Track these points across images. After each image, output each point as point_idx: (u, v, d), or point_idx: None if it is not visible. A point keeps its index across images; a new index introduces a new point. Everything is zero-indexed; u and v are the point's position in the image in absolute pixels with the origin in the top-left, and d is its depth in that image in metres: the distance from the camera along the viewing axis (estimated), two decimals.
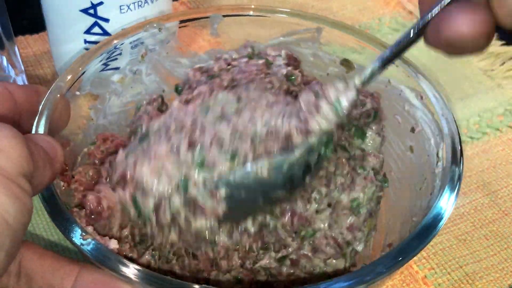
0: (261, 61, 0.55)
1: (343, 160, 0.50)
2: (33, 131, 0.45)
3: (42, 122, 0.45)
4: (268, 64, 0.55)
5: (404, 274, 0.54)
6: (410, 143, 0.53)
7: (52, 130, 0.46)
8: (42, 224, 0.56)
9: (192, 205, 0.41)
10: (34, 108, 0.46)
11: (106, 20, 0.62)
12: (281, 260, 0.47)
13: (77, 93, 0.51)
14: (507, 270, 0.55)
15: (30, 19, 0.79)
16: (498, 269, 0.55)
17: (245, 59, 0.55)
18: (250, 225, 0.45)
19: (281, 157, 0.41)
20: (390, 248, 0.47)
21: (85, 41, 0.64)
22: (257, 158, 0.41)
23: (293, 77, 0.55)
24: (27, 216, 0.33)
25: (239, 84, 0.50)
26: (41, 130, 0.45)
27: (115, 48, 0.54)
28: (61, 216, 0.40)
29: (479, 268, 0.55)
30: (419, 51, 0.77)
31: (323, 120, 0.41)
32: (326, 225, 0.47)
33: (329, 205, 0.48)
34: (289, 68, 0.54)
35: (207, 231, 0.42)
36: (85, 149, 0.52)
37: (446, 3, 0.36)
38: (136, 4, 0.62)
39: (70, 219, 0.40)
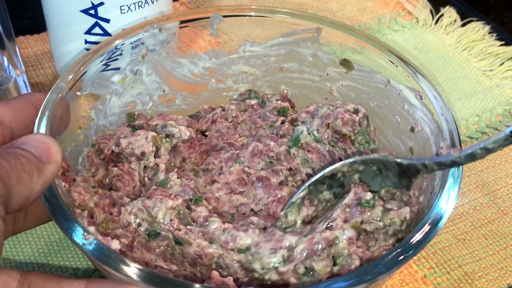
0: (254, 101, 0.60)
1: None
2: (34, 131, 0.45)
3: (44, 122, 0.46)
4: (263, 103, 0.60)
5: (404, 273, 0.55)
6: (409, 143, 0.53)
7: (53, 132, 0.46)
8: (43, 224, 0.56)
9: None
10: (29, 120, 0.46)
11: (107, 21, 0.62)
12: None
13: (78, 93, 0.51)
14: (506, 270, 0.55)
15: (31, 20, 0.79)
16: (497, 269, 0.55)
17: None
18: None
19: None
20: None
21: (86, 42, 0.64)
22: None
23: (284, 110, 0.59)
24: None
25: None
26: (42, 130, 0.45)
27: (115, 48, 0.54)
28: (63, 216, 0.40)
29: (478, 268, 0.55)
30: (419, 52, 0.78)
31: None
32: None
33: None
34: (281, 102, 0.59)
35: None
36: (85, 149, 0.52)
37: None
38: (136, 4, 0.62)
39: (72, 219, 0.40)
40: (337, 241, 0.43)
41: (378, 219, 0.45)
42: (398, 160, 0.46)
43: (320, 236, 0.43)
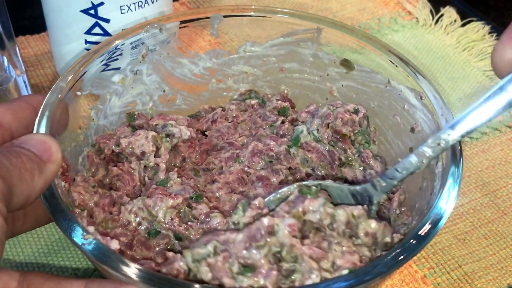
0: (255, 101, 0.60)
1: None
2: (34, 131, 0.45)
3: (44, 122, 0.46)
4: (263, 103, 0.60)
5: (404, 273, 0.55)
6: (409, 143, 0.53)
7: (53, 132, 0.46)
8: None
9: None
10: (28, 121, 0.46)
11: (107, 21, 0.62)
12: None
13: (78, 93, 0.51)
14: (506, 270, 0.55)
15: (31, 20, 0.79)
16: (497, 269, 0.55)
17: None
18: None
19: None
20: None
21: (86, 42, 0.64)
22: None
23: (284, 110, 0.59)
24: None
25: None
26: (42, 130, 0.45)
27: (115, 48, 0.54)
28: (62, 216, 0.40)
29: (478, 268, 0.55)
30: (419, 52, 0.78)
31: None
32: None
33: None
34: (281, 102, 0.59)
35: None
36: (85, 149, 0.52)
37: None
38: (136, 4, 0.62)
39: (72, 219, 0.40)
40: (277, 229, 0.41)
41: (320, 207, 0.43)
42: (352, 188, 0.46)
43: (259, 223, 0.42)
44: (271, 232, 0.41)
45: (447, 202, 0.42)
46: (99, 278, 0.40)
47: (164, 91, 0.60)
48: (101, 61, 0.53)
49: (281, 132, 0.55)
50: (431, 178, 0.47)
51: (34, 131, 0.45)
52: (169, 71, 0.59)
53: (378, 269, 0.39)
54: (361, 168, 0.54)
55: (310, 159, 0.53)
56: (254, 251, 0.41)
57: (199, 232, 0.45)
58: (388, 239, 0.43)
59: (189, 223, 0.46)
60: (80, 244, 0.39)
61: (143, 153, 0.50)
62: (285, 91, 0.62)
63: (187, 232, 0.45)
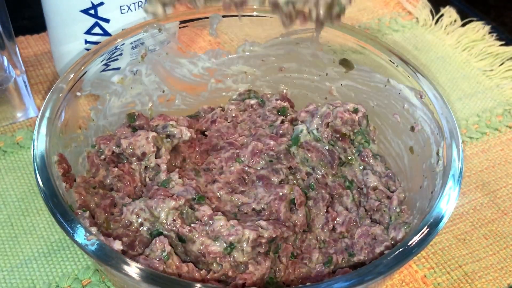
0: (254, 101, 0.60)
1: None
2: (35, 132, 0.45)
3: (44, 122, 0.46)
4: (262, 103, 0.60)
5: (404, 273, 0.54)
6: (409, 142, 0.53)
7: (52, 132, 0.46)
8: (43, 224, 0.56)
9: None
10: None
11: (107, 21, 0.62)
12: None
13: (78, 94, 0.51)
14: (506, 270, 0.55)
15: (31, 19, 0.79)
16: (497, 269, 0.55)
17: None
18: None
19: None
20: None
21: (86, 41, 0.64)
22: None
23: (283, 109, 0.59)
24: None
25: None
26: (42, 130, 0.45)
27: (115, 48, 0.54)
28: (64, 217, 0.40)
29: (478, 268, 0.55)
30: (419, 52, 0.78)
31: None
32: None
33: None
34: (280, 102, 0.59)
35: None
36: (85, 150, 0.52)
37: None
38: (136, 4, 0.62)
39: (74, 220, 0.40)
40: None
41: None
42: None
43: None
44: None
45: (447, 202, 0.42)
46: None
47: (163, 91, 0.59)
48: (101, 61, 0.53)
49: (280, 132, 0.55)
50: (431, 176, 0.47)
51: (35, 132, 0.45)
52: (168, 71, 0.59)
53: (379, 269, 0.39)
54: (361, 167, 0.54)
55: (310, 158, 0.53)
56: None
57: (203, 234, 0.45)
58: None
59: (192, 224, 0.46)
60: (83, 245, 0.39)
61: (143, 154, 0.50)
62: (284, 91, 0.62)
63: (190, 234, 0.45)
